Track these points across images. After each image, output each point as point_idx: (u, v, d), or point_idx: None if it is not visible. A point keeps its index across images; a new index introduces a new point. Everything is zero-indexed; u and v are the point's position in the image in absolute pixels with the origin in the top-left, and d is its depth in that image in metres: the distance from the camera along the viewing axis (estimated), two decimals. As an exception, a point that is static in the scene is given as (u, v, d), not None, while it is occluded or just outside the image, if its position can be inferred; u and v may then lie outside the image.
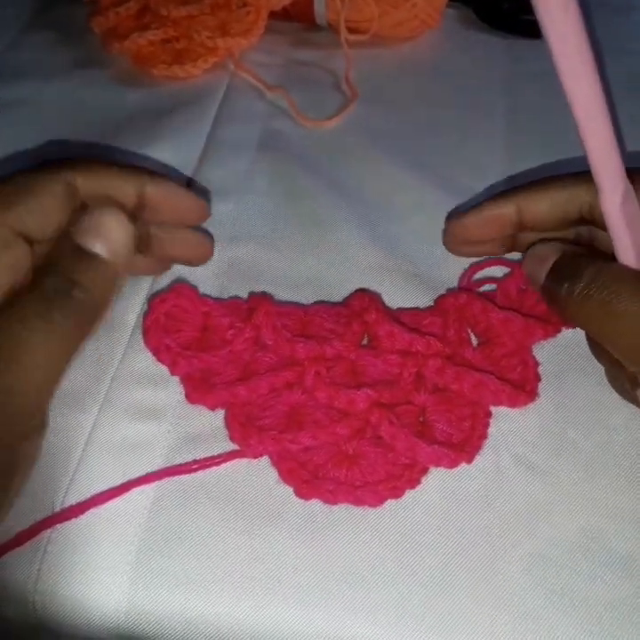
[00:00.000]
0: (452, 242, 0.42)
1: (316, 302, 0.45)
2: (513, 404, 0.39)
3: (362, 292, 0.44)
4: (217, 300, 0.43)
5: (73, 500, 0.37)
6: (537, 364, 0.41)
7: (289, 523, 0.36)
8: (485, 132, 0.56)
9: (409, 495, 0.37)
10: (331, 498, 0.36)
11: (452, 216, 0.44)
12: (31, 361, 0.30)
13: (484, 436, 0.38)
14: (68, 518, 0.36)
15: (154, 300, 0.41)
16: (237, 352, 0.40)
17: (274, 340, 0.40)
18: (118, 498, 0.37)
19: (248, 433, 0.37)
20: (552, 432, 0.39)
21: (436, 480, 0.37)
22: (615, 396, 0.39)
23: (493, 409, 0.39)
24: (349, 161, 0.54)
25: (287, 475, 0.37)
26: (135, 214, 0.37)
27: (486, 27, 0.65)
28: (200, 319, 0.42)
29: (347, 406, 0.38)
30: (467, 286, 0.44)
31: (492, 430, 0.38)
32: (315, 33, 0.65)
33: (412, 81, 0.61)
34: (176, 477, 0.37)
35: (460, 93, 0.59)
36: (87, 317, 0.33)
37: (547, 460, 0.38)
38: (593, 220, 0.37)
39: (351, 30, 0.61)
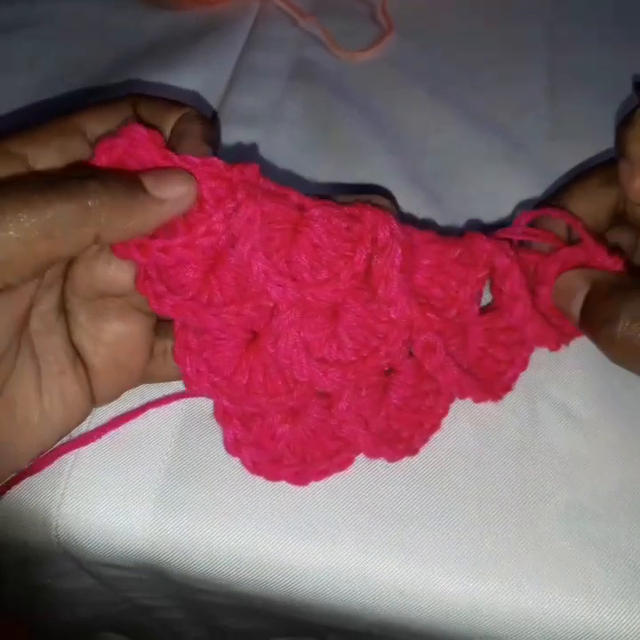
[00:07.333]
0: None
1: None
2: (478, 400, 0.36)
3: (384, 215, 0.33)
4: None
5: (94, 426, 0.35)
6: (527, 362, 0.37)
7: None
8: (526, 71, 0.53)
9: (442, 439, 0.36)
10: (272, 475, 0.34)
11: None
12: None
13: (436, 428, 0.36)
14: (85, 443, 0.35)
15: (100, 144, 0.31)
16: (199, 244, 0.31)
17: (249, 266, 0.31)
18: (135, 420, 0.35)
19: (191, 372, 0.33)
20: (594, 380, 0.37)
21: (470, 425, 0.36)
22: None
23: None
24: (384, 95, 0.52)
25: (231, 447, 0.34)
26: None
27: (529, -37, 0.62)
28: None
29: (308, 380, 0.33)
30: (511, 235, 0.37)
31: (530, 376, 0.37)
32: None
33: (451, 15, 0.58)
34: (204, 405, 0.36)
35: (500, 31, 0.56)
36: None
37: (586, 408, 0.37)
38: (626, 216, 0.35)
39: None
